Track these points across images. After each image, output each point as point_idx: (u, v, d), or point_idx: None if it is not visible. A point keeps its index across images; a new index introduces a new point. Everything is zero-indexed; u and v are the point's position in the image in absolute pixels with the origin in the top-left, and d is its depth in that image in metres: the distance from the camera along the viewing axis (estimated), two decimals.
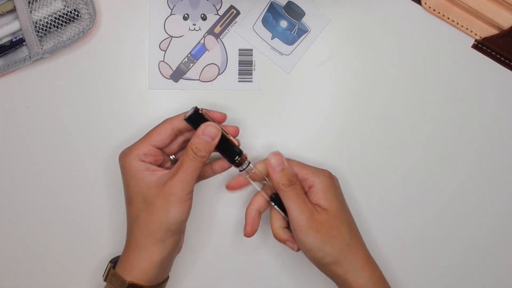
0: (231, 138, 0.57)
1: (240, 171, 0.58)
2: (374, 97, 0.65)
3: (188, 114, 0.56)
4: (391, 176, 0.66)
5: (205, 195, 0.65)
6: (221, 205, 0.66)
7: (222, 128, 0.57)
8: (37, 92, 0.65)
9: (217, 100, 0.65)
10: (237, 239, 0.66)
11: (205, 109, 0.58)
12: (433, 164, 0.66)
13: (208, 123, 0.56)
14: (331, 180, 0.59)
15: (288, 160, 0.59)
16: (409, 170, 0.66)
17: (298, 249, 0.59)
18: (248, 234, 0.60)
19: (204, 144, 0.55)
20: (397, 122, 0.65)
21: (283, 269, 0.66)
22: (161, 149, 0.58)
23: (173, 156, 0.60)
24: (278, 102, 0.65)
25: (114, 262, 0.59)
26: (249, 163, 0.58)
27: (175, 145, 0.60)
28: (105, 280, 0.58)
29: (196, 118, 0.56)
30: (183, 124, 0.57)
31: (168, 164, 0.60)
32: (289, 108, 0.65)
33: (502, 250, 0.66)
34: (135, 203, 0.56)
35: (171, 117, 0.58)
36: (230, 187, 0.61)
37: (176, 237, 0.57)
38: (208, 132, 0.55)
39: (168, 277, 0.60)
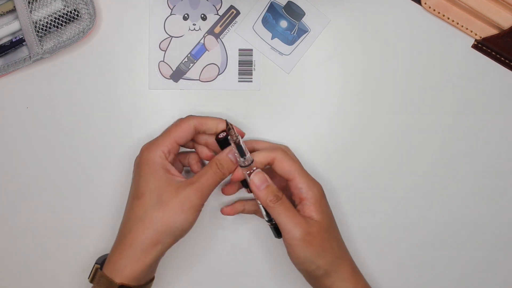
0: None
1: (242, 166, 0.58)
2: (373, 97, 0.65)
3: (220, 136, 0.59)
4: (389, 175, 0.66)
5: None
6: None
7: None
8: (37, 92, 0.65)
9: (217, 100, 0.65)
10: (235, 242, 0.66)
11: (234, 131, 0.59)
12: (432, 163, 0.66)
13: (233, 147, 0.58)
14: (322, 194, 0.59)
15: (285, 160, 0.59)
16: (408, 169, 0.66)
17: (225, 214, 0.62)
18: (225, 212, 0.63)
19: (228, 162, 0.58)
20: (396, 121, 0.65)
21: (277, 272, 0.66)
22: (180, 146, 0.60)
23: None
24: (278, 102, 0.65)
25: (100, 262, 0.58)
26: (252, 160, 0.58)
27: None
28: (91, 281, 0.57)
29: (226, 141, 0.59)
30: (204, 127, 0.60)
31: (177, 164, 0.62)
32: (289, 108, 0.65)
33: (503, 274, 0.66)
34: (146, 199, 0.56)
35: (195, 116, 0.60)
36: (224, 211, 0.63)
37: (174, 241, 0.57)
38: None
39: (153, 277, 0.60)
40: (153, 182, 0.57)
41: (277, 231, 0.60)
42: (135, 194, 0.57)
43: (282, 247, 0.59)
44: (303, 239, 0.56)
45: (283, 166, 0.58)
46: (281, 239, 0.58)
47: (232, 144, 0.57)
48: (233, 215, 0.63)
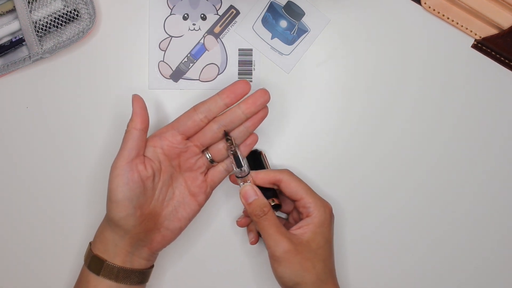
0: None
1: (237, 177, 0.59)
2: (373, 97, 0.65)
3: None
4: (386, 174, 0.66)
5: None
6: (220, 203, 0.66)
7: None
8: (37, 92, 0.65)
9: None
10: (233, 239, 0.66)
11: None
12: (432, 162, 0.66)
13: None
14: (328, 217, 0.59)
15: (292, 181, 0.59)
16: (408, 169, 0.66)
17: (253, 243, 0.63)
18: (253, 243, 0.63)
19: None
20: (395, 121, 0.65)
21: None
22: (189, 138, 0.59)
23: (209, 155, 0.60)
24: (277, 102, 0.65)
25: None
26: (248, 172, 0.59)
27: (208, 134, 0.59)
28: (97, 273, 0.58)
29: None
30: (212, 113, 0.58)
31: (193, 160, 0.60)
32: (288, 108, 0.65)
33: None
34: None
35: (199, 103, 0.59)
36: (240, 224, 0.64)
37: (114, 225, 0.57)
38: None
39: (153, 265, 0.61)
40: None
41: None
42: None
43: None
44: (282, 256, 0.56)
45: (291, 187, 0.59)
46: None
47: (230, 155, 0.58)
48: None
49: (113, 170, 0.56)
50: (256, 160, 0.63)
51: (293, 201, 0.60)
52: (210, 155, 0.60)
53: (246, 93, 0.58)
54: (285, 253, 0.56)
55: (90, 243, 0.59)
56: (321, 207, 0.58)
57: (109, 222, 0.57)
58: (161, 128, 0.59)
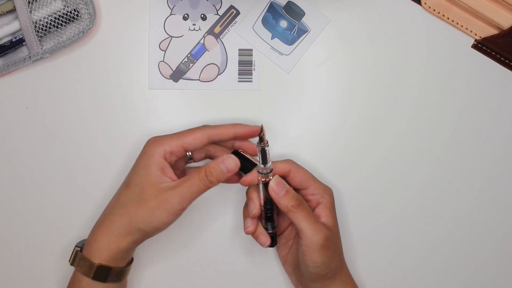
0: (252, 159, 0.59)
1: (260, 172, 0.57)
2: (373, 97, 0.65)
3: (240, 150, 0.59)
4: (387, 174, 0.66)
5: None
6: (218, 204, 0.66)
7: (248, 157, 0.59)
8: (37, 92, 0.65)
9: (217, 100, 0.65)
10: (233, 239, 0.66)
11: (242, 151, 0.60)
12: (430, 164, 0.66)
13: (230, 155, 0.57)
14: (333, 198, 0.60)
15: (300, 170, 0.59)
16: (408, 168, 0.66)
17: (251, 232, 0.59)
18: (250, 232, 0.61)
19: (219, 172, 0.56)
20: (395, 121, 0.65)
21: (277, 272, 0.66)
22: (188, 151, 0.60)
23: (189, 153, 0.61)
24: (278, 102, 0.65)
25: (80, 246, 0.59)
26: (271, 170, 0.58)
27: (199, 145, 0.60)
28: (72, 264, 0.58)
29: (240, 155, 0.59)
30: (219, 137, 0.58)
31: (180, 162, 0.61)
32: (289, 108, 0.65)
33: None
34: (130, 190, 0.57)
35: (210, 126, 0.59)
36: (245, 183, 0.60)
37: (145, 237, 0.57)
38: (227, 164, 0.56)
39: (132, 259, 0.61)
40: (142, 175, 0.57)
41: (274, 240, 0.60)
42: (125, 182, 0.58)
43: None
44: (323, 244, 0.56)
45: (300, 176, 0.59)
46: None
47: (259, 149, 0.56)
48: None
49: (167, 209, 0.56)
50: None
51: (299, 190, 0.60)
52: (190, 153, 0.61)
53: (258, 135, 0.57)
54: (326, 240, 0.56)
55: (89, 259, 0.58)
56: (327, 191, 0.60)
57: (139, 231, 0.56)
58: (173, 144, 0.58)
